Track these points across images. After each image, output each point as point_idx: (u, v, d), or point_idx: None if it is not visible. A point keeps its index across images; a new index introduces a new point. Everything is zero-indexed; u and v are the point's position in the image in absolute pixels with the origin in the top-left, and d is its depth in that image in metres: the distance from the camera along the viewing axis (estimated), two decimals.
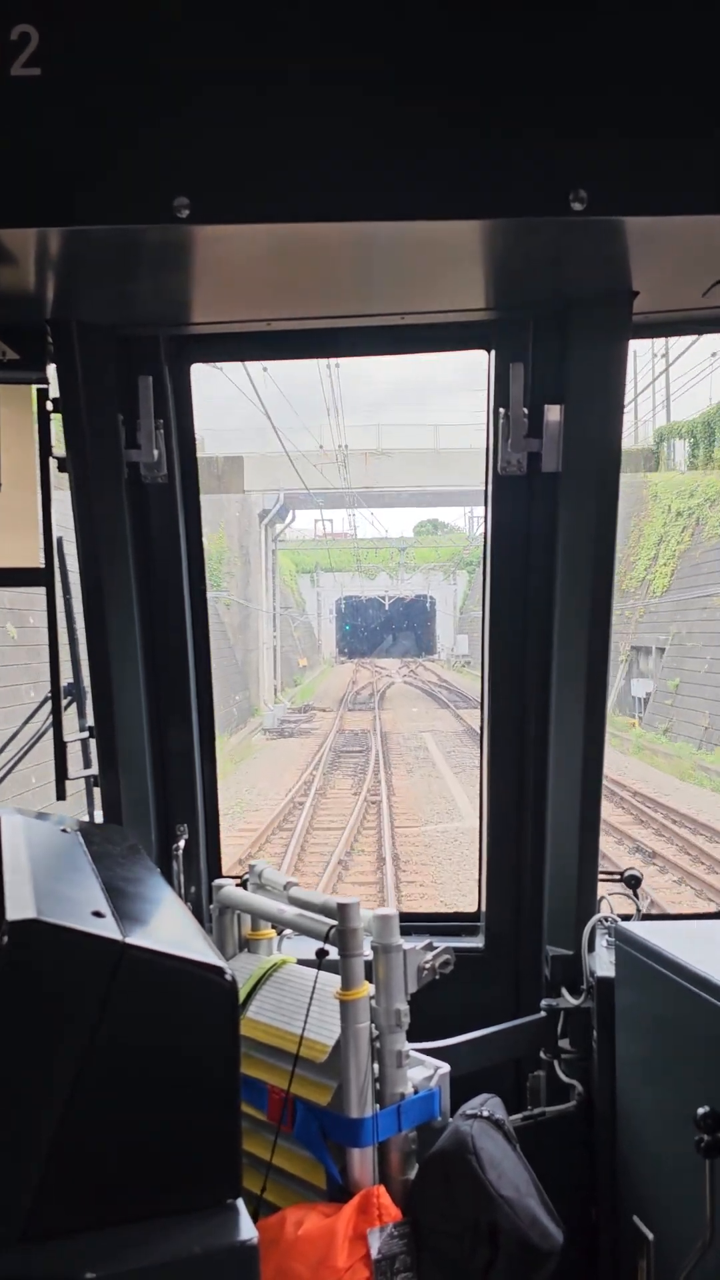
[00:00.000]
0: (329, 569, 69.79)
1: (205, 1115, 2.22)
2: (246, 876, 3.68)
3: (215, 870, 4.06)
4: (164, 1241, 2.10)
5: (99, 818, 3.87)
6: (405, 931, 3.18)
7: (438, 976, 3.20)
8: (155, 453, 3.61)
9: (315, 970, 3.17)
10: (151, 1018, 2.18)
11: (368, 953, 3.11)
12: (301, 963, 3.44)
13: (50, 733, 3.73)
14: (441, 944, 3.22)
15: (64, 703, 3.74)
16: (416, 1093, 3.11)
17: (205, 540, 3.90)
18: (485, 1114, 3.11)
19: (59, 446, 3.53)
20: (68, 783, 3.72)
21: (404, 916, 3.23)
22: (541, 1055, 3.63)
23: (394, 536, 66.57)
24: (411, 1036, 3.13)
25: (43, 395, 3.47)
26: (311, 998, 3.16)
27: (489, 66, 2.55)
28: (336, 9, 2.55)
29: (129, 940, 2.16)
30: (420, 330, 3.58)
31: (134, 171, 2.56)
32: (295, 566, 68.17)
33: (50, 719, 3.74)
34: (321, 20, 2.55)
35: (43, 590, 3.65)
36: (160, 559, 3.78)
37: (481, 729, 3.94)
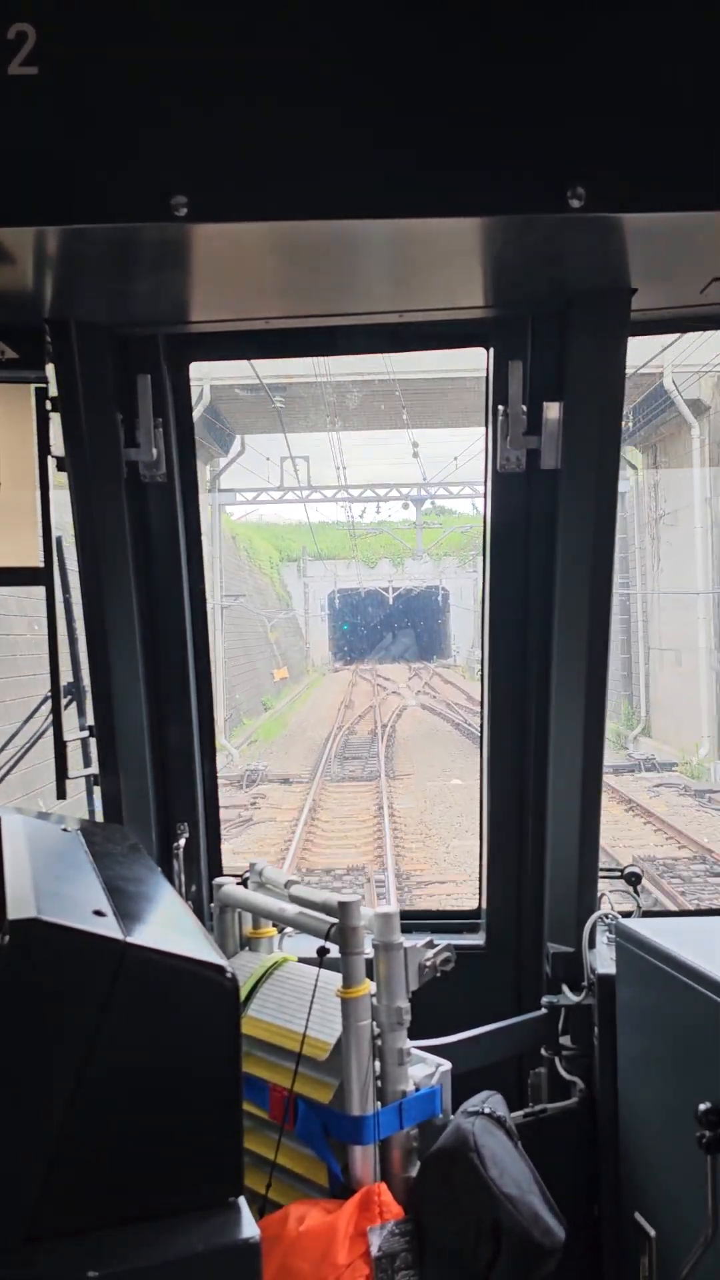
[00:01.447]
0: (318, 556, 55.35)
1: (207, 1114, 2.22)
2: (247, 875, 3.68)
3: (216, 869, 4.06)
4: (167, 1240, 2.11)
5: (99, 816, 3.87)
6: (406, 929, 3.18)
7: (439, 974, 3.20)
8: (154, 451, 3.61)
9: (316, 968, 3.17)
10: (153, 1017, 2.18)
11: (369, 950, 3.11)
12: (303, 961, 3.44)
13: (50, 732, 3.74)
14: (442, 941, 3.22)
15: (64, 702, 3.74)
16: (418, 1090, 3.11)
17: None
18: (487, 1111, 3.11)
19: (58, 446, 3.53)
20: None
21: (405, 914, 3.23)
22: (543, 1052, 3.63)
23: (406, 484, 38.74)
24: (413, 1034, 3.13)
25: (41, 394, 3.47)
26: (313, 996, 3.16)
27: (487, 64, 2.55)
28: (334, 7, 2.55)
29: (130, 939, 2.16)
30: (418, 328, 3.58)
31: (132, 170, 2.56)
32: (278, 554, 54.04)
33: (50, 718, 3.74)
34: (318, 18, 2.55)
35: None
36: (159, 558, 3.78)
37: (482, 726, 3.95)
